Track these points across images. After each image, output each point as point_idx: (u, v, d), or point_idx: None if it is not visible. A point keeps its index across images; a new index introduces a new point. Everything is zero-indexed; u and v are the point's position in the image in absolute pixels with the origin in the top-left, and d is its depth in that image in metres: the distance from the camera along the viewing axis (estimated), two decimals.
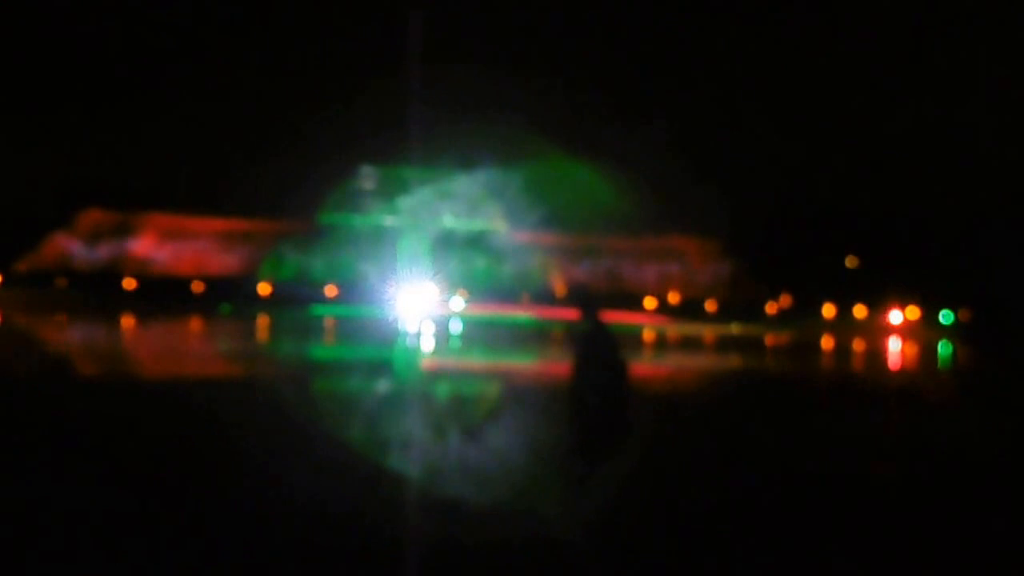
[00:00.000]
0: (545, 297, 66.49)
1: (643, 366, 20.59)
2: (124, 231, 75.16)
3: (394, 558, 5.47)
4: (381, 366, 20.06)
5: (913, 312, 61.98)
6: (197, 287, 66.97)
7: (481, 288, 72.28)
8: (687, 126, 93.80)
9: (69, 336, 27.83)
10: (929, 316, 60.64)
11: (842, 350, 32.78)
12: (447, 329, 37.81)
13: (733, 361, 25.76)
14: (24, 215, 69.04)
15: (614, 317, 7.56)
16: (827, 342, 38.54)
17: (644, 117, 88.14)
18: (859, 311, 64.38)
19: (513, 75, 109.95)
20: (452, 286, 71.84)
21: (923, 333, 54.66)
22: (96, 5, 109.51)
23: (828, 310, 64.51)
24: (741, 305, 64.40)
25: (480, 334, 34.33)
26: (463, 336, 33.45)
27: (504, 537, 5.85)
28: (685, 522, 6.46)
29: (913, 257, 62.73)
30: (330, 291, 65.01)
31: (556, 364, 19.58)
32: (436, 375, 18.66)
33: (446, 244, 77.62)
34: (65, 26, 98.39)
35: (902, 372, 23.97)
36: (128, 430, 9.62)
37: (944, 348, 38.37)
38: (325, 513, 6.28)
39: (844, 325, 59.06)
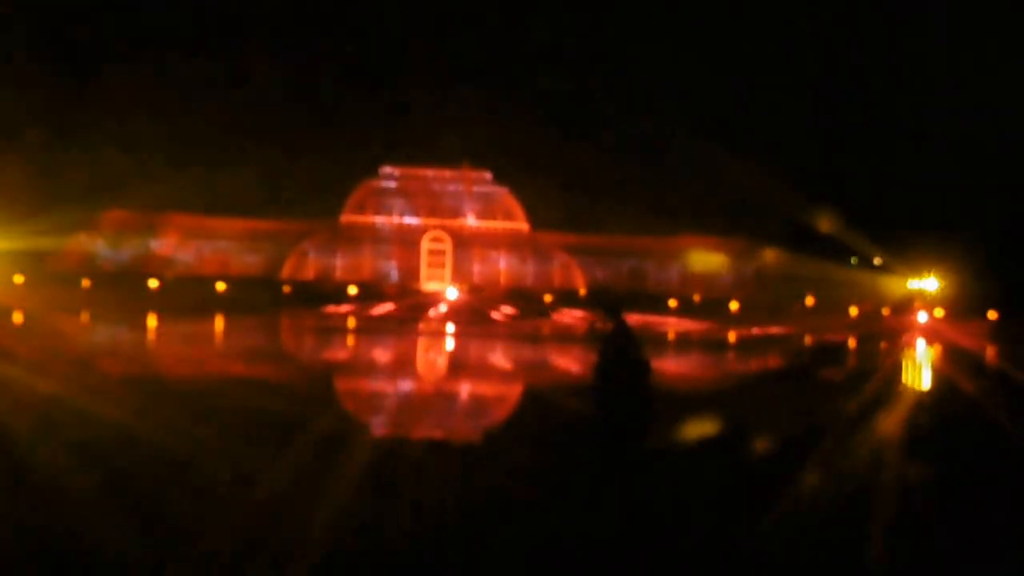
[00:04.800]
0: (566, 298, 66.29)
1: (665, 365, 20.34)
2: (148, 231, 75.73)
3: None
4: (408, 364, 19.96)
5: (939, 312, 61.08)
6: (220, 287, 67.18)
7: (505, 288, 72.26)
8: (711, 121, 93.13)
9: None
10: (955, 317, 59.70)
11: (876, 350, 32.36)
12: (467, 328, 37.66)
13: (760, 360, 25.45)
14: (48, 214, 69.57)
15: (635, 317, 7.40)
16: (854, 342, 38.08)
17: (669, 112, 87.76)
18: (885, 311, 63.62)
19: (531, 70, 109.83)
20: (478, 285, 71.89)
21: (950, 333, 53.88)
22: (120, 5, 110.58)
23: (853, 310, 63.74)
24: (765, 304, 63.80)
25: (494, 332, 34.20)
26: (484, 335, 33.33)
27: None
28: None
29: (939, 257, 61.97)
30: (352, 291, 65.08)
31: (576, 365, 19.38)
32: (458, 371, 18.54)
33: (467, 244, 77.62)
34: (88, 25, 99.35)
35: (938, 371, 23.59)
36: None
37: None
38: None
39: (870, 325, 58.32)
